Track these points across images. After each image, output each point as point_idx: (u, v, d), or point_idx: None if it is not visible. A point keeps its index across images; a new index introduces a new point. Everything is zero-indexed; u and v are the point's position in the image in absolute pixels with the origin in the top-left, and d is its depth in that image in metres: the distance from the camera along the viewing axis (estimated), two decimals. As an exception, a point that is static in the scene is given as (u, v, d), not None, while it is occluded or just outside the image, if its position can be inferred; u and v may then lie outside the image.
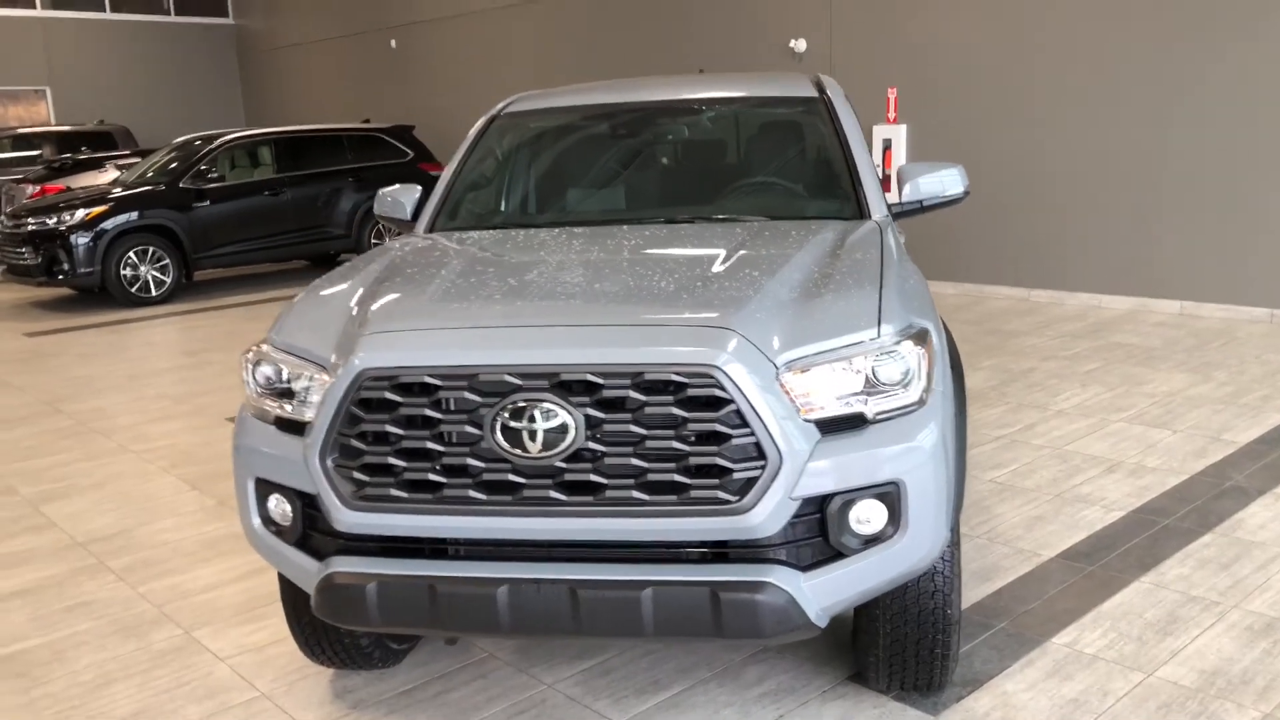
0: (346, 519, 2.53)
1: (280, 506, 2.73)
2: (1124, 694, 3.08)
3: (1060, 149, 8.70)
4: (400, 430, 2.49)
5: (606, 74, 12.38)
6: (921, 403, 2.54)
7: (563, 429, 2.38)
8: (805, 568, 2.46)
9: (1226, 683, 3.12)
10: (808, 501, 2.43)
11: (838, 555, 2.48)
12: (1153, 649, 3.32)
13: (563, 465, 2.41)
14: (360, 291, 2.92)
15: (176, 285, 11.27)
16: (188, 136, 12.45)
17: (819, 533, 2.47)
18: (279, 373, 2.74)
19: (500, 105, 4.31)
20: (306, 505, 2.67)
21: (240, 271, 13.21)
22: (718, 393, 2.35)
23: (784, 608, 2.38)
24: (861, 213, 3.61)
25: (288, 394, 2.73)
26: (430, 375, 2.45)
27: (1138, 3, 8.14)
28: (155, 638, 3.73)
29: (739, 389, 2.34)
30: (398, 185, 4.15)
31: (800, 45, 10.35)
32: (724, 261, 2.90)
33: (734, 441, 2.36)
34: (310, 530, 2.69)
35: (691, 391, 2.36)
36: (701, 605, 2.36)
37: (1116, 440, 5.31)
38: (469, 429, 2.45)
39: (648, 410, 2.38)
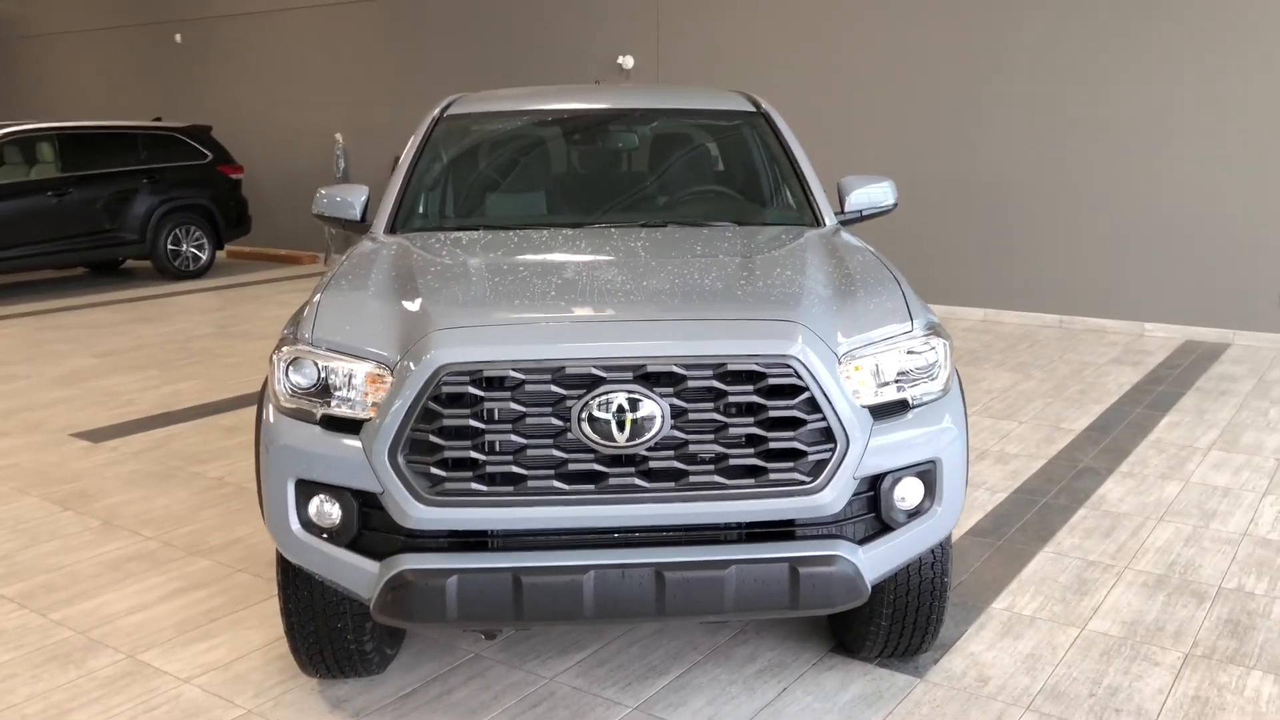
0: (421, 515, 2.51)
1: (326, 508, 2.66)
2: (1068, 646, 3.49)
3: (868, 164, 9.43)
4: (482, 424, 2.50)
5: (430, 84, 12.21)
6: (946, 390, 2.83)
7: (650, 418, 2.48)
8: (861, 541, 2.68)
9: (1145, 631, 3.60)
10: (863, 481, 2.65)
11: (886, 529, 2.72)
12: (1076, 607, 3.77)
13: (647, 453, 2.51)
14: (403, 288, 2.88)
15: (-54, 293, 10.15)
16: (-49, 129, 11.23)
17: (871, 509, 2.70)
18: (322, 372, 2.67)
19: (442, 106, 4.29)
20: (363, 504, 2.62)
21: (14, 279, 12.05)
22: (794, 381, 2.52)
23: (853, 578, 2.58)
24: (817, 220, 3.89)
25: (328, 392, 2.67)
26: (515, 369, 2.49)
27: (918, 25, 8.99)
28: (95, 665, 3.46)
29: (813, 377, 2.53)
30: (340, 184, 4.05)
31: (628, 62, 10.66)
32: (749, 261, 3.08)
33: (808, 426, 2.55)
34: (365, 530, 2.64)
35: (771, 380, 2.52)
36: (781, 580, 2.53)
37: (975, 432, 5.88)
38: (554, 421, 2.50)
39: (730, 399, 2.52)
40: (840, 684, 3.28)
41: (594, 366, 2.49)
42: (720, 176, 4.26)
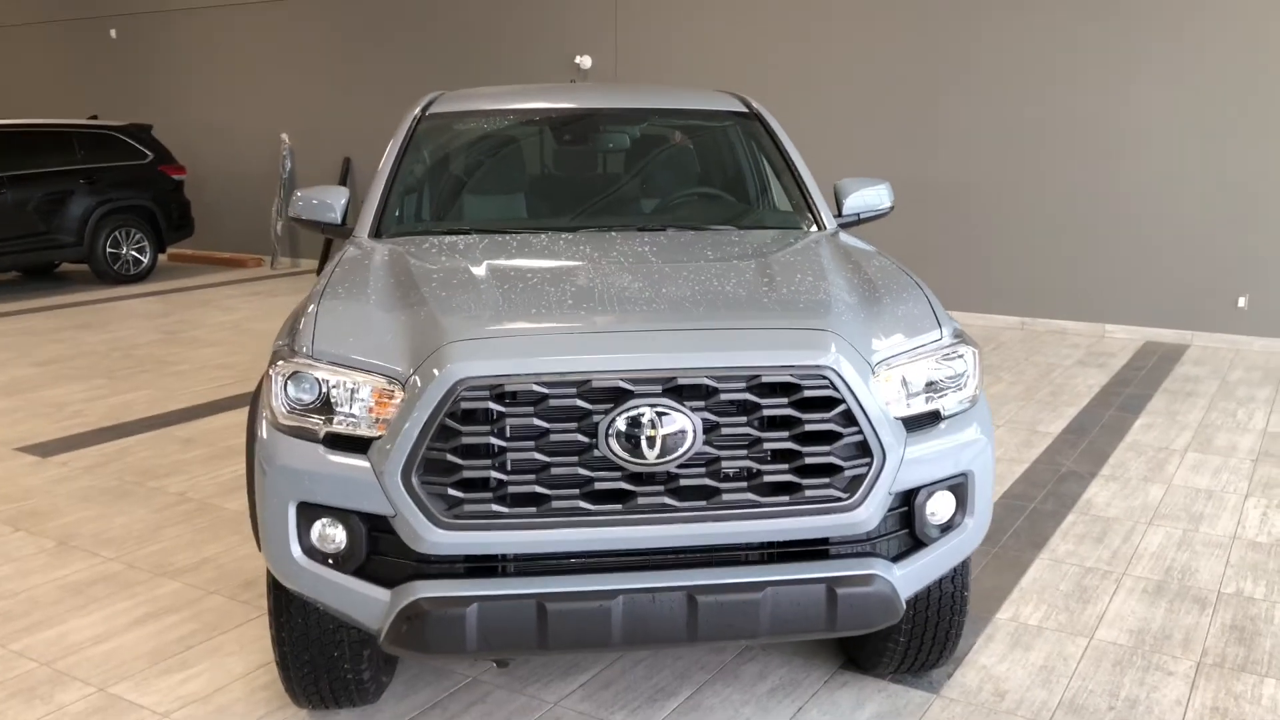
0: (436, 539, 2.35)
1: (329, 532, 2.49)
2: (1079, 657, 3.44)
3: (827, 166, 9.39)
4: (502, 441, 2.35)
5: (381, 84, 11.94)
6: (975, 400, 2.74)
7: (680, 433, 2.35)
8: (894, 559, 2.58)
9: (1154, 639, 3.55)
10: (896, 496, 2.55)
11: (919, 545, 2.62)
12: (1081, 616, 3.72)
13: (677, 470, 2.38)
14: (406, 296, 2.71)
15: None
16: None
17: (904, 525, 2.60)
18: (323, 387, 2.50)
19: (422, 105, 4.11)
20: (372, 528, 2.45)
21: (-60, 283, 11.54)
22: (830, 393, 2.41)
23: (890, 598, 2.48)
24: (818, 224, 3.79)
25: (330, 408, 2.49)
26: (537, 383, 2.34)
27: (874, 28, 8.99)
28: (64, 699, 3.24)
29: (849, 388, 2.42)
30: (318, 186, 3.85)
31: (586, 62, 10.51)
32: (766, 267, 2.96)
33: (844, 440, 2.44)
34: (374, 555, 2.47)
35: (806, 392, 2.41)
36: (818, 601, 2.41)
37: (953, 435, 5.84)
38: (579, 437, 2.36)
39: (763, 412, 2.40)
40: (855, 702, 3.18)
41: (621, 379, 2.35)
42: (715, 179, 4.14)
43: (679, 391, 2.37)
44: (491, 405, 2.34)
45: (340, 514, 2.46)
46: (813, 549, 2.53)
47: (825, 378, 2.40)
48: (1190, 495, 4.91)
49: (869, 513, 2.46)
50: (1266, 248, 7.89)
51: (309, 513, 2.49)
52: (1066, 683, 3.28)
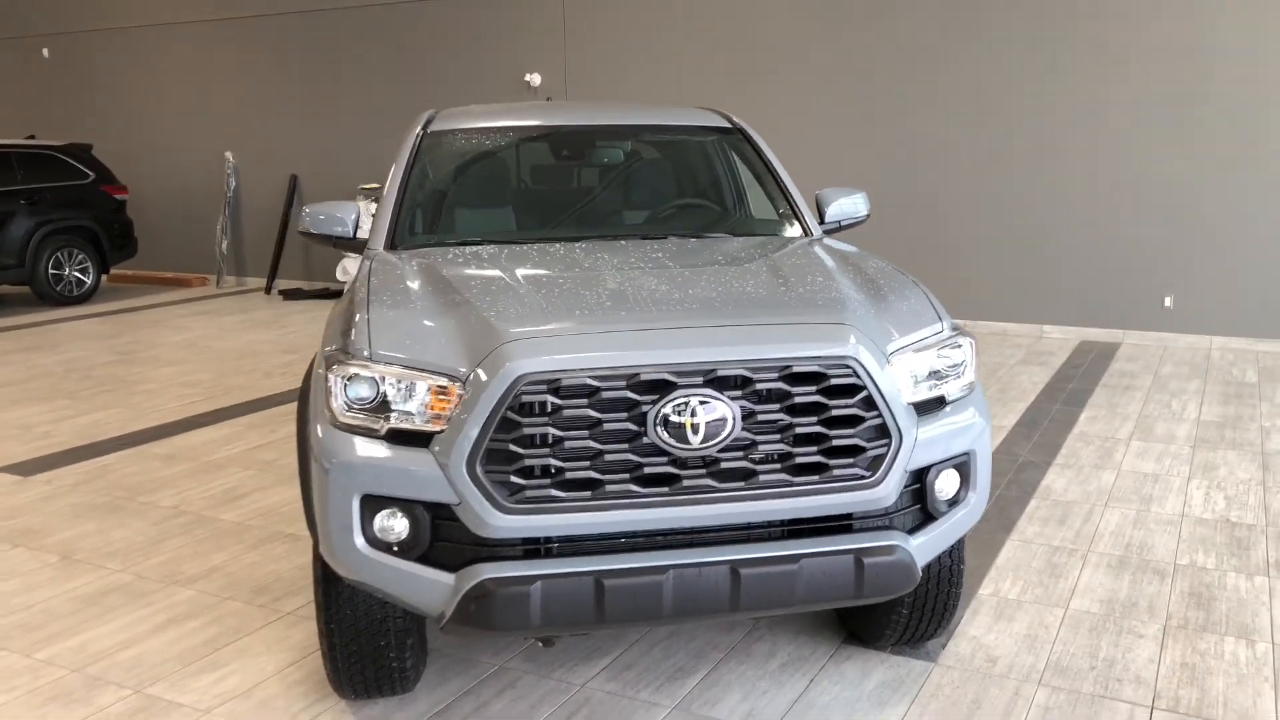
0: (500, 524, 2.54)
1: (390, 523, 2.65)
2: (1058, 625, 3.74)
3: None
4: (560, 431, 2.55)
5: (328, 103, 11.98)
6: (972, 386, 3.01)
7: (721, 420, 2.58)
8: (909, 531, 2.83)
9: (1122, 607, 3.87)
10: (910, 474, 2.81)
11: (929, 519, 2.88)
12: (1055, 589, 4.03)
13: (718, 455, 2.61)
14: (449, 302, 2.89)
15: None
16: None
17: (916, 501, 2.86)
18: (382, 386, 2.67)
19: (422, 123, 4.28)
20: (434, 517, 2.63)
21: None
22: (853, 380, 2.66)
23: (910, 566, 2.73)
24: (805, 230, 4.06)
25: (387, 407, 2.67)
26: (591, 376, 2.54)
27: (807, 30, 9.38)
28: (103, 701, 3.33)
29: (870, 376, 2.67)
30: (327, 202, 4.00)
31: (535, 79, 10.71)
32: (776, 269, 3.21)
33: (866, 424, 2.69)
34: (436, 542, 2.64)
35: (832, 380, 2.65)
36: (847, 571, 2.65)
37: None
38: (630, 426, 2.57)
39: (794, 399, 2.64)
40: (862, 673, 3.43)
41: (667, 372, 2.57)
42: (705, 190, 4.39)
43: (719, 382, 2.60)
44: (549, 398, 2.54)
45: (403, 504, 2.62)
46: (837, 524, 2.76)
47: (849, 366, 2.65)
48: (1139, 479, 5.28)
49: (888, 489, 2.71)
50: (1190, 251, 8.41)
51: (372, 505, 2.65)
52: (1050, 648, 3.57)
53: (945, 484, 2.89)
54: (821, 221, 4.20)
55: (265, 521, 4.87)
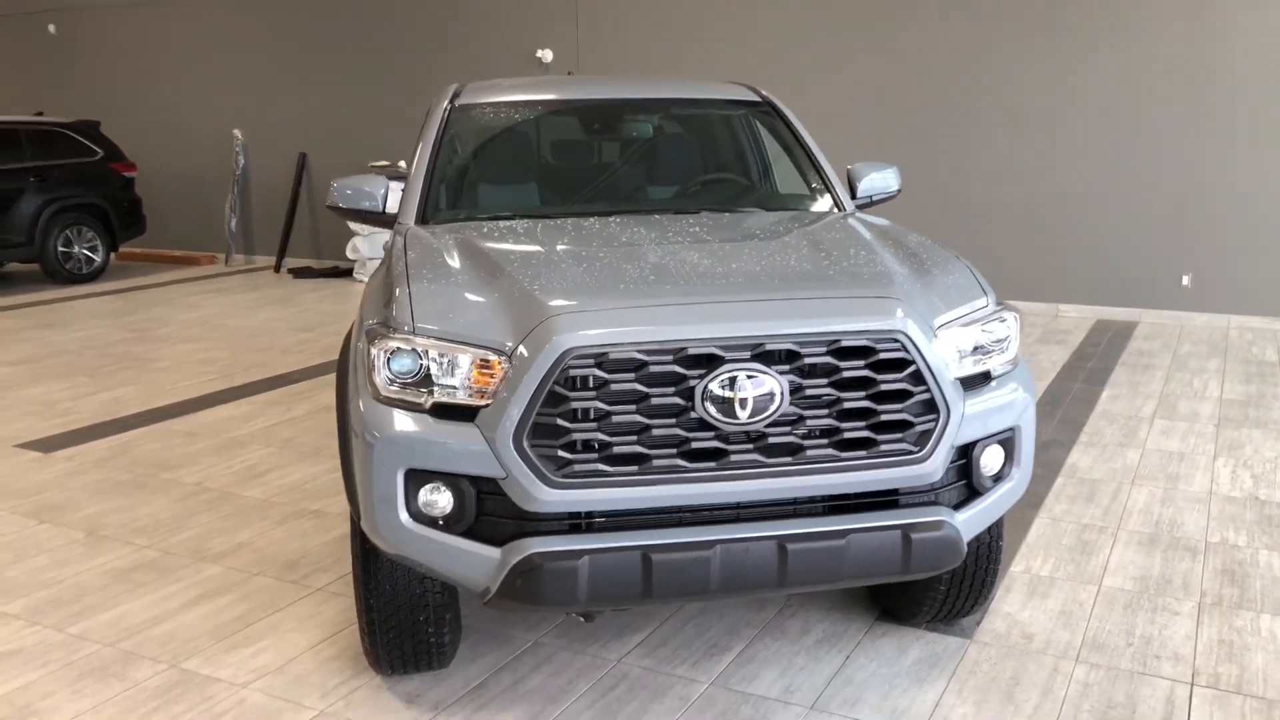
0: (547, 498, 2.52)
1: (436, 496, 2.64)
2: (1092, 602, 3.72)
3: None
4: (607, 405, 2.53)
5: (342, 78, 11.90)
6: (1016, 362, 2.99)
7: (769, 395, 2.55)
8: (955, 507, 2.82)
9: (1156, 584, 3.86)
10: (955, 449, 2.79)
11: (974, 494, 2.86)
12: (1087, 566, 4.02)
13: (765, 429, 2.59)
14: (490, 276, 2.86)
15: None
16: None
17: (962, 477, 2.84)
18: (423, 360, 2.64)
19: (449, 96, 4.23)
20: (480, 491, 2.61)
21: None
22: (902, 355, 2.64)
23: (956, 541, 2.71)
24: (838, 205, 4.03)
25: (429, 381, 2.64)
26: (638, 350, 2.52)
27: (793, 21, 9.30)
28: (138, 676, 3.33)
29: (918, 350, 2.65)
30: (355, 176, 3.97)
31: (547, 55, 10.64)
32: (817, 243, 3.18)
33: (914, 398, 2.66)
34: (481, 516, 2.63)
35: (881, 354, 2.63)
36: (895, 547, 2.64)
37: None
38: (677, 400, 2.54)
39: (842, 373, 2.62)
40: (898, 649, 3.42)
41: (715, 346, 2.54)
42: (735, 165, 4.35)
43: (766, 356, 2.58)
44: (597, 372, 2.52)
45: (448, 478, 2.61)
46: (884, 500, 2.75)
47: (898, 340, 2.63)
48: (1164, 457, 5.26)
49: (936, 465, 2.69)
50: (1207, 230, 8.36)
51: (416, 479, 2.63)
52: (1085, 624, 3.56)
53: (990, 460, 2.87)
54: (854, 196, 4.16)
55: (289, 498, 4.86)
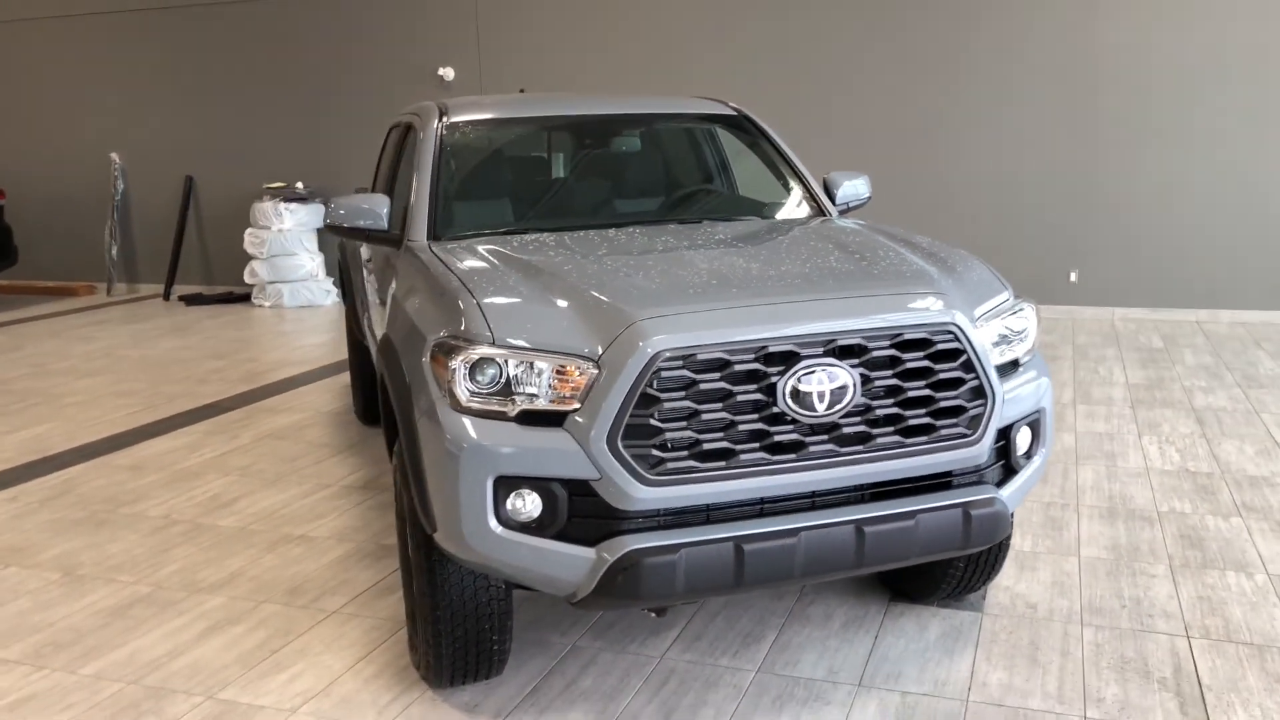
0: (643, 496, 2.61)
1: (523, 502, 2.69)
2: (1078, 572, 4.03)
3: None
4: (696, 404, 2.64)
5: (233, 97, 11.53)
6: (1033, 350, 3.25)
7: (844, 388, 2.72)
8: (997, 485, 3.04)
9: (1127, 552, 4.20)
10: (998, 431, 3.01)
11: (1011, 473, 3.10)
12: (1062, 540, 4.33)
13: (840, 420, 2.75)
14: (555, 286, 2.93)
15: None
16: None
17: (1001, 457, 3.07)
18: (508, 369, 2.70)
19: (436, 114, 4.26)
20: (571, 493, 2.68)
21: None
22: (955, 345, 2.84)
23: (1006, 516, 2.93)
24: (824, 211, 4.24)
25: (509, 389, 2.70)
26: (724, 350, 2.65)
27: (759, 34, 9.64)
28: (176, 711, 3.24)
29: (969, 340, 2.86)
30: (356, 194, 3.95)
31: (449, 73, 10.61)
32: (843, 246, 3.37)
33: (967, 385, 2.87)
34: (572, 518, 2.69)
35: (938, 345, 2.83)
36: (956, 524, 2.83)
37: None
38: (760, 396, 2.68)
39: (906, 365, 2.81)
40: (919, 626, 3.63)
41: (793, 343, 2.69)
42: (723, 176, 4.52)
43: (838, 352, 2.74)
44: (685, 373, 2.63)
45: (537, 483, 2.67)
46: (940, 482, 2.94)
47: (951, 332, 2.83)
48: (1096, 438, 5.68)
49: (984, 447, 2.91)
50: (1093, 228, 9.01)
51: (505, 485, 2.68)
52: (1079, 592, 3.85)
53: (1022, 440, 3.11)
54: (833, 203, 4.38)
55: (268, 525, 4.76)
